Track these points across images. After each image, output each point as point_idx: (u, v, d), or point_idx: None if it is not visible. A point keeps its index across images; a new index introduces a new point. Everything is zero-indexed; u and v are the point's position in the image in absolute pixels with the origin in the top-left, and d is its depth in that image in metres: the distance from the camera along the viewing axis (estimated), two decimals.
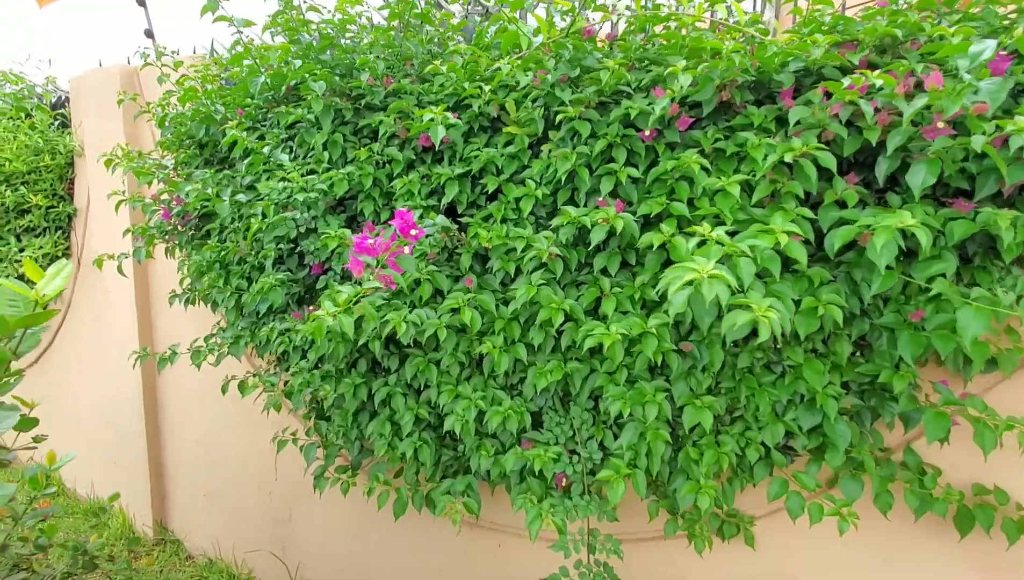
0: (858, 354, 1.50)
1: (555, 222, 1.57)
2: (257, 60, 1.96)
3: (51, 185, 3.45)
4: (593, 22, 1.64)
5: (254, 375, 2.51)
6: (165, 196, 2.38)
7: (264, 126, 2.20)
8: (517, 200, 1.65)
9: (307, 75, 1.83)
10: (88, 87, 3.21)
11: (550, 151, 1.60)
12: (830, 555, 1.74)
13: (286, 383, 2.24)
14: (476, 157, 1.69)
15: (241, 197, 2.02)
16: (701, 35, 1.44)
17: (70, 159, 3.47)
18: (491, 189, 1.67)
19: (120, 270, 2.67)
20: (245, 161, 2.19)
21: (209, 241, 2.33)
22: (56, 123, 3.54)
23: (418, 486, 2.06)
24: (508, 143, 1.72)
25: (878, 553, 1.67)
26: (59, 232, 3.52)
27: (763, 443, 1.58)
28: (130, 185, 3.06)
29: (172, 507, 3.37)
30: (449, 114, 1.62)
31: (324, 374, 2.00)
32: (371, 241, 1.39)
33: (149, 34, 3.33)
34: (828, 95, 1.30)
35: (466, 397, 1.75)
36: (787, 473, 1.62)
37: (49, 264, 3.54)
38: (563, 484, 1.79)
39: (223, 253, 2.21)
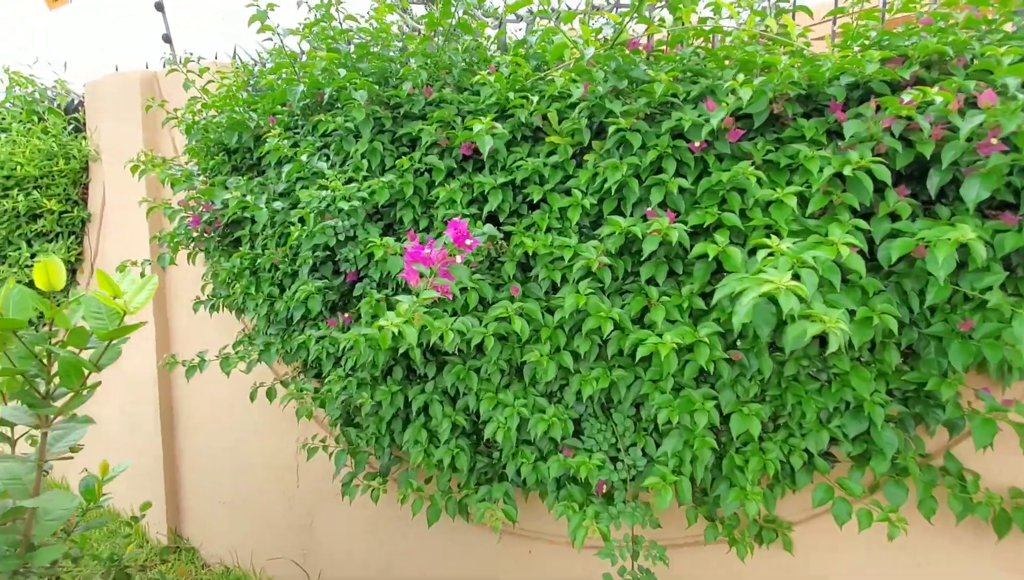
0: (902, 362, 1.53)
1: (602, 231, 1.58)
2: (297, 68, 1.96)
3: (64, 190, 3.42)
4: (636, 34, 1.67)
5: (283, 382, 2.50)
6: (193, 202, 2.37)
7: (297, 134, 2.20)
8: (562, 209, 1.66)
9: (348, 84, 1.84)
10: (105, 92, 3.19)
11: (595, 161, 1.62)
12: (863, 559, 1.76)
13: (317, 390, 2.23)
14: (520, 166, 1.71)
15: (277, 204, 2.02)
16: (754, 49, 1.46)
17: (84, 164, 3.44)
18: (535, 198, 1.69)
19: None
20: (279, 169, 2.19)
21: (240, 248, 2.32)
22: (70, 127, 3.51)
23: (450, 493, 2.06)
24: (551, 153, 1.73)
25: (910, 556, 1.70)
26: (72, 237, 3.48)
27: (806, 450, 1.60)
28: (149, 191, 3.04)
29: (187, 515, 3.34)
30: (496, 124, 1.64)
31: (360, 381, 2.00)
32: (427, 251, 1.40)
33: (167, 39, 3.32)
34: (880, 108, 1.33)
35: (508, 404, 1.75)
36: (829, 479, 1.64)
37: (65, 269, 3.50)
38: (603, 491, 1.80)
39: (255, 260, 2.21)
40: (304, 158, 1.95)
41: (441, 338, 1.61)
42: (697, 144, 1.48)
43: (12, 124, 3.52)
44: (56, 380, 1.04)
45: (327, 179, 1.85)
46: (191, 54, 2.50)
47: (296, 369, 2.53)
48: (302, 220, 1.92)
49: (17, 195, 3.32)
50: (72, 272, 3.59)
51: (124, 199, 3.16)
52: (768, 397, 1.60)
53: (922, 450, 1.59)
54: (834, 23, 1.75)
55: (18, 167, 3.34)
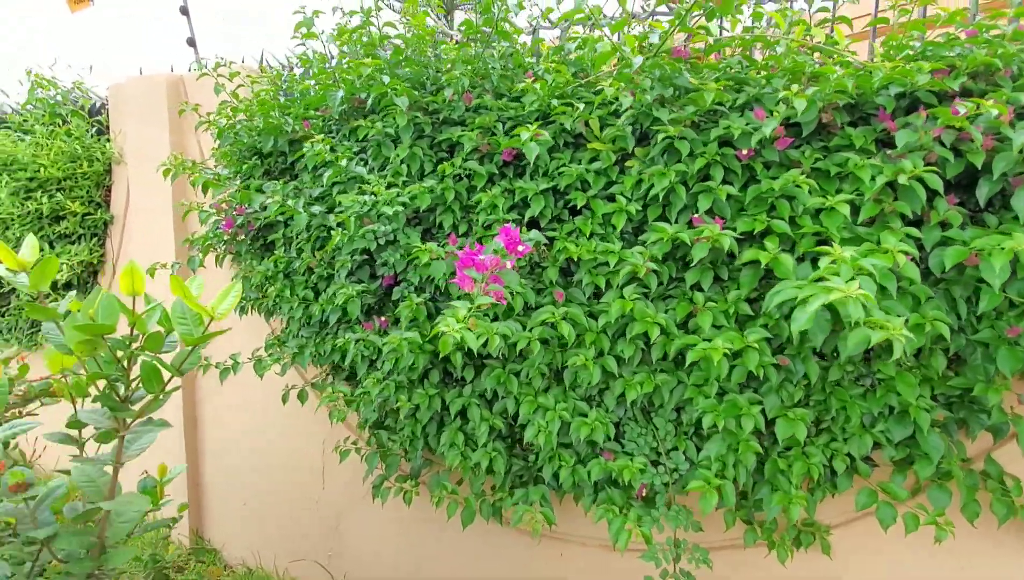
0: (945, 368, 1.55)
1: (648, 237, 1.60)
2: (336, 74, 1.98)
3: (87, 192, 3.43)
4: (678, 42, 1.68)
5: (314, 384, 2.51)
6: (226, 205, 2.39)
7: (333, 139, 2.22)
8: (607, 215, 1.68)
9: (390, 90, 1.85)
10: (130, 95, 3.20)
11: (639, 168, 1.64)
12: (905, 564, 1.78)
13: (349, 393, 2.25)
14: (563, 173, 1.73)
15: (315, 209, 2.03)
16: (803, 58, 1.48)
17: (108, 166, 3.46)
18: (579, 204, 1.70)
19: (151, 272, 2.67)
20: (315, 173, 2.20)
21: (272, 252, 2.34)
22: (92, 130, 3.52)
23: (484, 495, 2.07)
24: (593, 159, 1.75)
25: (955, 560, 1.72)
26: (95, 239, 3.50)
27: (848, 454, 1.62)
28: (175, 194, 3.05)
29: (209, 516, 3.35)
30: (541, 132, 1.66)
31: (398, 384, 2.02)
32: (481, 257, 1.42)
33: (191, 43, 3.33)
34: (930, 118, 1.35)
35: (550, 408, 1.77)
36: (870, 483, 1.66)
37: (84, 271, 3.52)
38: (643, 494, 1.82)
39: (290, 263, 2.23)
40: (344, 163, 1.96)
41: (484, 342, 1.63)
42: (745, 152, 1.50)
43: (35, 126, 3.54)
44: (134, 384, 1.06)
45: (369, 184, 1.87)
46: (222, 59, 2.51)
47: (325, 372, 2.54)
48: (342, 224, 1.93)
49: (41, 197, 3.33)
50: (93, 274, 3.60)
51: (149, 202, 3.17)
52: (812, 402, 1.61)
53: (963, 455, 1.60)
54: (874, 34, 1.77)
55: (42, 169, 3.36)
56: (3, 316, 3.81)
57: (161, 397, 1.08)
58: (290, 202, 1.96)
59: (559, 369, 1.84)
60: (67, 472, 1.14)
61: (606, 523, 1.72)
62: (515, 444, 2.10)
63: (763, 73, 1.55)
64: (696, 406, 1.61)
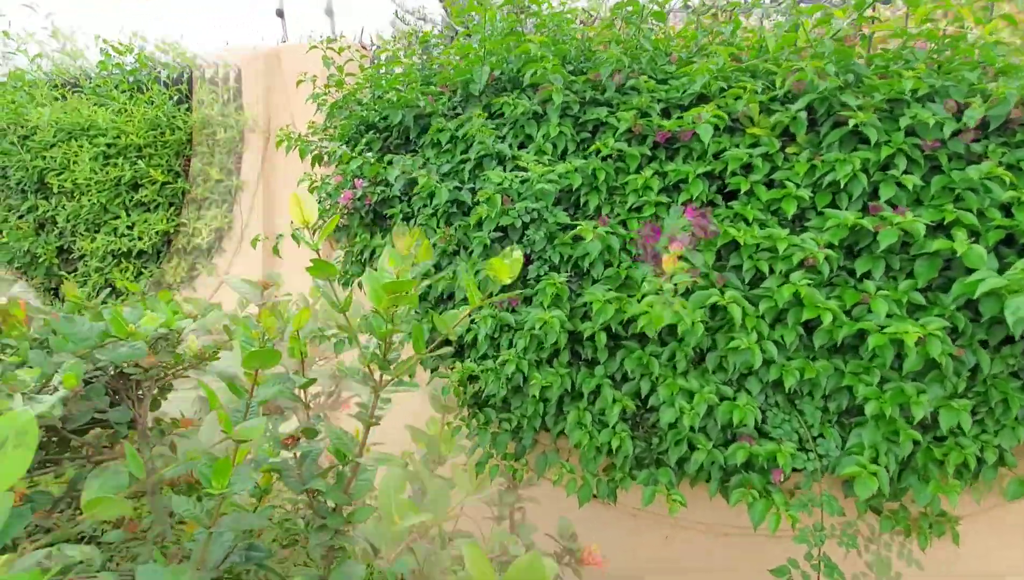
0: None
1: (824, 223, 1.61)
2: (484, 49, 1.97)
3: (167, 161, 3.41)
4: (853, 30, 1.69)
5: (423, 362, 2.52)
6: (342, 178, 2.38)
7: (459, 115, 2.21)
8: (770, 201, 1.69)
9: (543, 68, 1.85)
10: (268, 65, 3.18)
11: (809, 155, 1.65)
12: None
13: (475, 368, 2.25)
14: (725, 157, 1.73)
15: (453, 184, 2.03)
16: (997, 52, 1.49)
17: (188, 135, 3.43)
18: (743, 189, 1.71)
19: (276, 251, 2.67)
20: (443, 149, 2.20)
21: (389, 226, 2.34)
22: (173, 99, 3.49)
23: (596, 475, 2.10)
24: (753, 144, 1.76)
25: None
26: (172, 208, 3.48)
27: (998, 446, 1.65)
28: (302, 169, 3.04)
29: None
30: (706, 113, 1.66)
31: (530, 362, 2.03)
32: (677, 236, 1.43)
33: (280, 13, 3.31)
34: None
35: (695, 391, 1.79)
36: (1016, 474, 1.69)
37: (159, 241, 3.50)
38: (780, 480, 1.84)
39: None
40: (489, 140, 1.96)
41: (627, 323, 1.66)
42: (929, 142, 1.51)
43: (112, 92, 3.51)
44: (395, 345, 1.06)
45: (515, 160, 1.87)
46: (341, 34, 2.49)
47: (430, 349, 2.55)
48: (488, 200, 1.93)
49: (123, 164, 3.31)
50: (167, 243, 3.59)
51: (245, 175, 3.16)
52: (971, 393, 1.64)
53: None
54: None
55: (122, 135, 3.33)
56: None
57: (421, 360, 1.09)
58: (435, 176, 1.96)
59: (703, 353, 1.86)
60: (311, 430, 1.15)
61: (720, 506, 1.76)
62: (637, 426, 2.12)
63: (957, 62, 1.56)
64: (856, 393, 1.63)
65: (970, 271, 1.52)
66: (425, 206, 2.20)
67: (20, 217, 3.71)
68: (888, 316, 1.57)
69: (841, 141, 1.61)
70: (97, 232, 3.56)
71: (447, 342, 1.11)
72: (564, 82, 1.97)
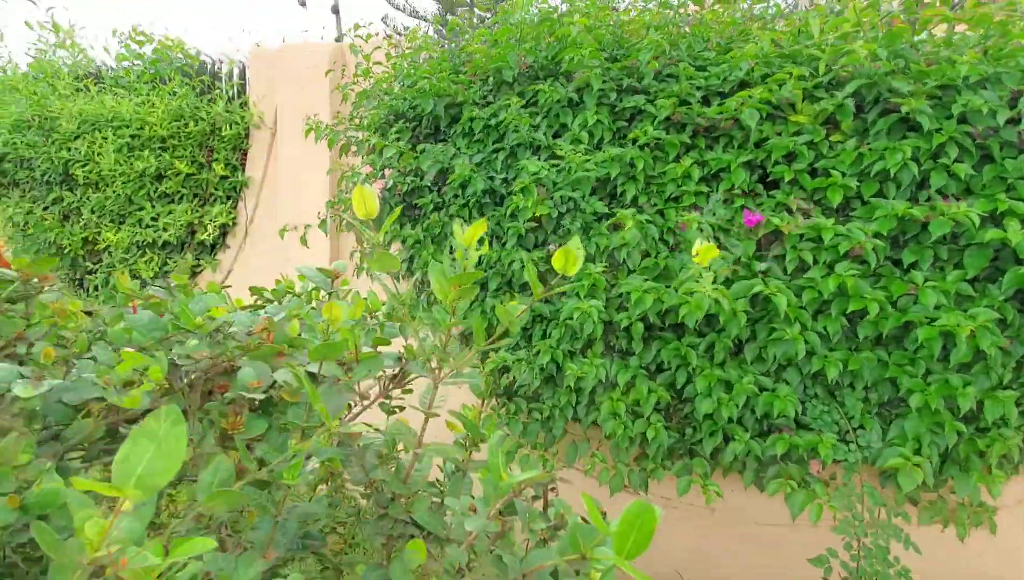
0: None
1: (870, 213, 1.59)
2: (519, 36, 1.95)
3: (191, 152, 3.42)
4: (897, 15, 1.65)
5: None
6: (367, 169, 2.38)
7: (491, 104, 2.19)
8: (817, 190, 1.67)
9: (583, 53, 1.83)
10: (287, 61, 3.18)
11: (856, 143, 1.62)
12: None
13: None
14: (768, 145, 1.71)
15: (489, 174, 2.02)
16: None
17: (211, 127, 3.43)
18: (786, 178, 1.69)
19: (304, 241, 2.68)
20: (474, 138, 2.18)
21: (420, 217, 2.33)
22: (195, 90, 3.49)
23: (627, 464, 2.11)
24: (796, 132, 1.73)
25: None
26: (196, 199, 3.49)
27: None
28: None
29: None
30: (754, 96, 1.64)
31: (564, 353, 2.03)
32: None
33: (335, 10, 3.29)
34: None
35: (735, 382, 1.78)
36: None
37: (184, 232, 3.52)
38: (819, 470, 1.84)
39: (443, 228, 2.22)
40: (524, 129, 1.94)
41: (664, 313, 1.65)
42: (980, 130, 1.48)
43: (135, 83, 3.51)
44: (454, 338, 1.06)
45: (559, 150, 1.85)
46: (403, 27, 2.47)
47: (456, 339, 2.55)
48: (524, 190, 1.92)
49: (148, 156, 3.32)
50: (191, 234, 3.60)
51: (300, 166, 3.16)
52: (1016, 385, 1.62)
53: None
54: None
55: (146, 127, 3.34)
56: (94, 273, 3.82)
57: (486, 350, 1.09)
58: (469, 166, 1.95)
59: (740, 343, 1.85)
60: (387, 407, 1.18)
61: (749, 495, 1.75)
62: (669, 417, 2.11)
63: (1008, 49, 1.52)
64: (901, 385, 1.62)
65: (1019, 261, 1.50)
66: (457, 196, 2.19)
67: (45, 209, 3.74)
68: (936, 307, 1.55)
69: (889, 129, 1.59)
70: (122, 223, 3.58)
71: (506, 334, 1.11)
72: (601, 69, 1.95)
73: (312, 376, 1.01)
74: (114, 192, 3.45)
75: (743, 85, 1.81)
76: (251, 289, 1.16)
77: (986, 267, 1.51)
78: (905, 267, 1.60)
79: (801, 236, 1.66)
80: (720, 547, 2.29)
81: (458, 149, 2.22)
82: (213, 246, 3.61)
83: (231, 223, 3.39)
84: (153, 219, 3.50)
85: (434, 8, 6.85)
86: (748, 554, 2.24)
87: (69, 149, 3.50)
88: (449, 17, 7.35)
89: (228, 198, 3.37)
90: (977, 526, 1.83)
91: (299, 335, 1.09)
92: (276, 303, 1.11)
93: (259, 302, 1.12)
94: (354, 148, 2.45)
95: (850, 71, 1.57)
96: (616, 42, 2.01)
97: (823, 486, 1.76)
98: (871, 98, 1.61)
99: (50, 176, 3.63)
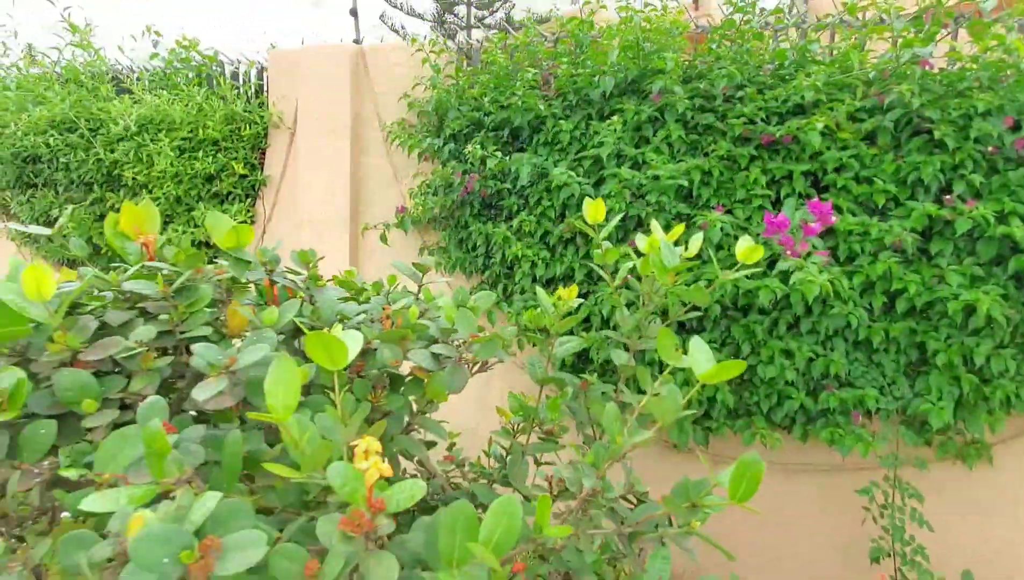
0: None
1: (913, 213, 2.02)
2: (615, 59, 2.28)
3: (244, 154, 3.55)
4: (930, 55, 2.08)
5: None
6: (458, 175, 2.65)
7: (570, 119, 2.51)
8: (862, 194, 2.08)
9: (671, 78, 2.17)
10: (308, 63, 3.34)
11: (894, 157, 2.05)
12: None
13: None
14: (823, 156, 2.11)
15: (582, 181, 2.35)
16: None
17: (264, 129, 3.58)
18: (838, 185, 2.10)
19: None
20: (558, 147, 2.49)
21: (497, 217, 2.63)
22: (248, 94, 3.62)
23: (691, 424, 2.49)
24: (844, 147, 2.14)
25: None
26: (248, 200, 3.63)
27: None
28: (355, 157, 3.25)
29: None
30: (819, 123, 2.04)
31: None
32: (813, 224, 1.80)
33: (353, 13, 3.49)
34: None
35: (792, 350, 2.19)
36: None
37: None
38: (859, 421, 2.28)
39: (538, 225, 2.52)
40: (611, 140, 2.28)
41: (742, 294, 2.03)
42: (991, 148, 1.93)
43: (181, 87, 3.60)
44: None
45: (649, 160, 2.20)
46: (442, 33, 2.73)
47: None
48: (616, 194, 2.25)
49: (204, 157, 3.44)
50: None
51: (321, 167, 3.35)
52: (1013, 344, 2.09)
53: None
54: None
55: (199, 130, 3.45)
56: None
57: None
58: (570, 175, 2.26)
59: (796, 319, 2.25)
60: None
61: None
62: (728, 382, 2.51)
63: (1010, 84, 1.97)
64: (928, 348, 2.07)
65: (1018, 250, 1.97)
66: (542, 199, 2.50)
67: (85, 210, 3.77)
68: (957, 286, 1.99)
69: (918, 146, 2.02)
70: (168, 224, 3.67)
71: (696, 308, 1.45)
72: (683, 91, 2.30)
73: (435, 357, 1.11)
74: (163, 193, 3.54)
75: (797, 106, 2.20)
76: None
77: (993, 256, 1.96)
78: (932, 255, 2.04)
79: (850, 231, 2.08)
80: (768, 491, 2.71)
81: (540, 157, 2.53)
82: None
83: (249, 222, 3.54)
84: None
85: (432, 7, 7.01)
86: (790, 498, 2.67)
87: (114, 151, 3.56)
88: (448, 17, 7.49)
89: (247, 197, 3.50)
90: (979, 459, 2.32)
91: (417, 321, 1.15)
92: (378, 295, 1.24)
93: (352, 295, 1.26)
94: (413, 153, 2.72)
95: (889, 99, 1.98)
96: (690, 66, 2.37)
97: (865, 431, 2.19)
98: (904, 121, 2.04)
99: (91, 178, 3.67)
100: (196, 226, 3.62)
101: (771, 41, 2.45)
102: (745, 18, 2.30)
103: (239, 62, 3.79)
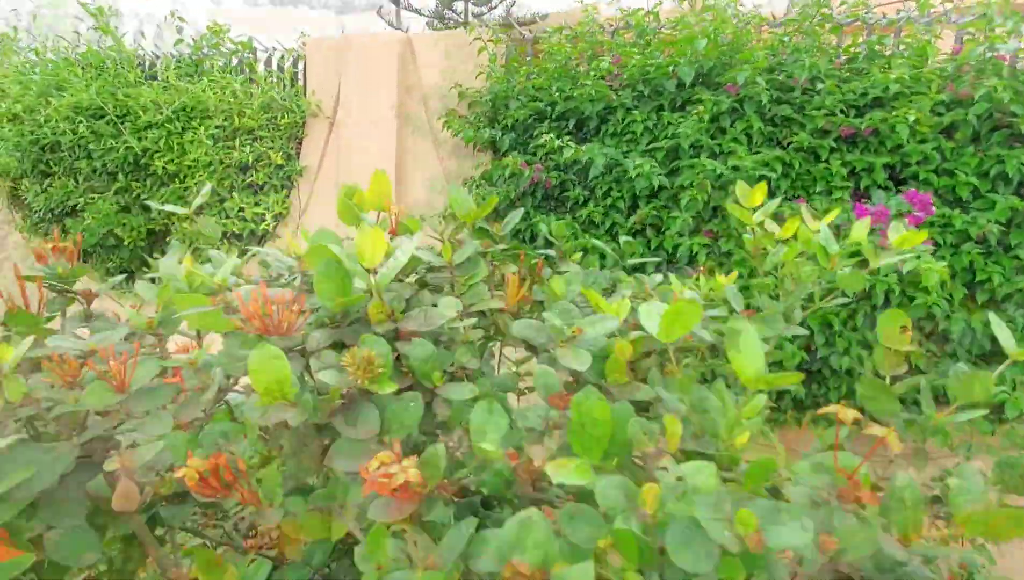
0: None
1: (998, 205, 2.05)
2: (691, 52, 2.27)
3: (282, 144, 3.46)
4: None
5: None
6: (523, 165, 2.62)
7: (635, 110, 2.49)
8: (942, 188, 2.12)
9: (755, 70, 2.18)
10: (350, 52, 3.26)
11: (974, 150, 2.09)
12: None
13: None
14: (906, 148, 2.14)
15: (657, 171, 2.33)
16: None
17: (302, 119, 3.49)
18: (920, 177, 2.13)
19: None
20: (626, 138, 2.48)
21: (566, 208, 2.60)
22: (285, 82, 3.52)
23: None
24: (922, 141, 2.17)
25: None
26: (285, 190, 3.53)
27: None
28: (400, 147, 3.19)
29: None
30: (911, 116, 2.06)
31: None
32: (908, 212, 1.82)
33: (396, 1, 3.42)
34: None
35: (870, 342, 2.21)
36: None
37: (275, 222, 3.55)
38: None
39: (607, 213, 2.50)
40: (690, 130, 2.27)
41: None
42: None
43: (218, 74, 3.49)
44: None
45: (733, 152, 2.20)
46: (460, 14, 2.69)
47: None
48: (697, 184, 2.25)
49: (242, 146, 3.33)
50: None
51: (364, 157, 3.27)
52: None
53: None
54: None
55: (234, 118, 3.35)
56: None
57: None
58: (637, 164, 2.25)
59: (873, 309, 2.28)
60: None
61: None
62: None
63: None
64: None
65: None
66: (611, 190, 2.48)
67: (106, 199, 3.62)
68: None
69: (999, 140, 2.06)
70: (198, 214, 3.55)
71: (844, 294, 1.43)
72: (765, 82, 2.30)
73: None
74: (195, 183, 3.42)
75: (875, 99, 2.23)
76: None
77: None
78: (1010, 246, 2.09)
79: (932, 222, 2.11)
80: None
81: (609, 147, 2.51)
82: (263, 237, 3.64)
83: (282, 213, 3.45)
84: (240, 210, 3.50)
85: (431, 3, 6.93)
86: None
87: (142, 139, 3.42)
88: (447, 13, 7.41)
89: (282, 188, 3.41)
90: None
91: None
92: None
93: None
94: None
95: (979, 93, 2.02)
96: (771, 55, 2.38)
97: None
98: (986, 116, 2.08)
99: (117, 166, 3.53)
100: (227, 217, 3.51)
101: (840, 36, 2.47)
102: (820, 11, 2.31)
103: (274, 49, 3.68)
